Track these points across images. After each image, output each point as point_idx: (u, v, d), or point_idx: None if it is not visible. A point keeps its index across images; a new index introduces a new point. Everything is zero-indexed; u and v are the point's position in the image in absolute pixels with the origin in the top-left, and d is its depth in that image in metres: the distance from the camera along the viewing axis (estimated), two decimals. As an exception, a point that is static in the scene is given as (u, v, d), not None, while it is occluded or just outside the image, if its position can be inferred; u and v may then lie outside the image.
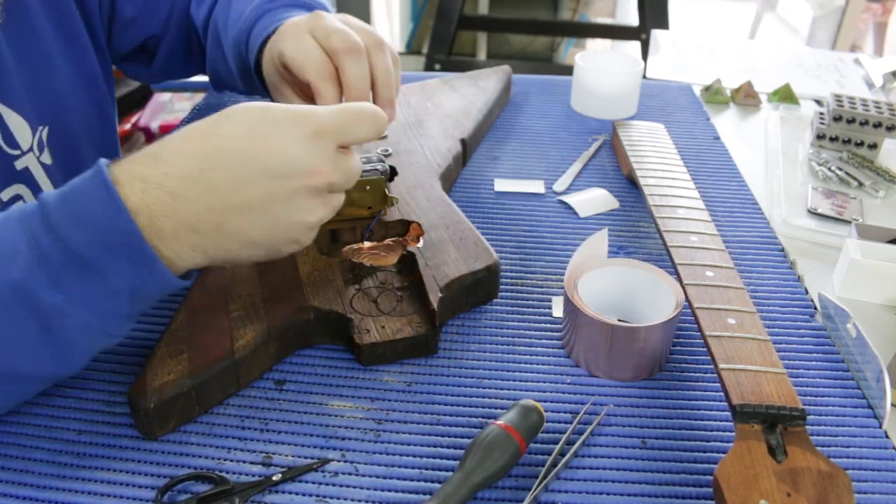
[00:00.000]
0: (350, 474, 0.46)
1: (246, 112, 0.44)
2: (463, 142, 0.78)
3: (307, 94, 0.59)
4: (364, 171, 0.62)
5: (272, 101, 0.62)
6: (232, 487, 0.44)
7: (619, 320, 0.54)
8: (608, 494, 0.45)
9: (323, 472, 0.46)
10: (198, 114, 0.90)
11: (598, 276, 0.57)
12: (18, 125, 0.60)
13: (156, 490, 0.44)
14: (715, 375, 0.50)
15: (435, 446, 0.48)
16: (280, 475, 0.45)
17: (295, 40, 0.57)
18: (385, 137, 0.76)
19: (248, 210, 0.43)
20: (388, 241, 0.62)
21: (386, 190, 0.62)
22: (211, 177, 0.42)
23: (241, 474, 0.46)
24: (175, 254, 0.42)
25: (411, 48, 3.03)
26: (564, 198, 0.74)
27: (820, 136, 0.87)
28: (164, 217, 0.41)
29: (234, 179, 0.42)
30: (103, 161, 0.42)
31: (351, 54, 0.56)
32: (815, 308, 0.61)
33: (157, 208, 0.41)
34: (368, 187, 0.61)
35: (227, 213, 0.43)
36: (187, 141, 0.43)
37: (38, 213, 0.41)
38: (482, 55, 2.83)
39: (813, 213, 0.74)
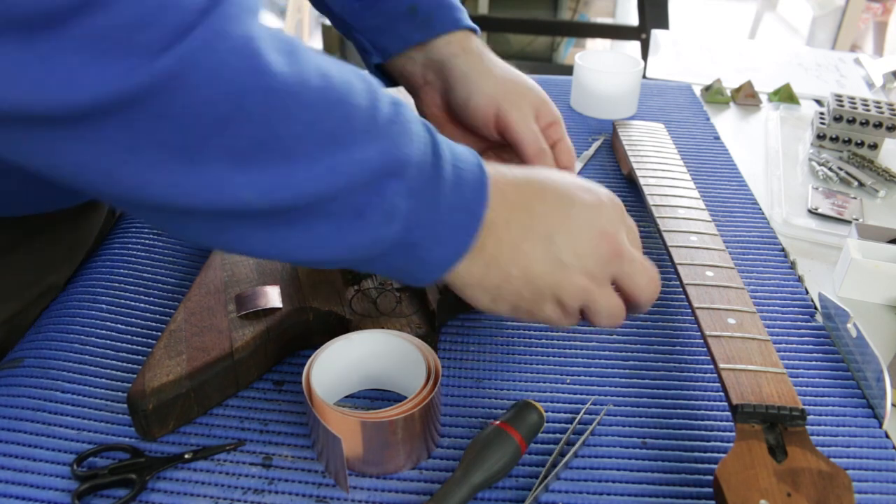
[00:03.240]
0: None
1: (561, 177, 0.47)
2: (463, 142, 0.78)
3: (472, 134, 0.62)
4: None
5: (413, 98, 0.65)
6: (145, 461, 0.45)
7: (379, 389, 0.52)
8: (608, 494, 0.45)
9: (323, 472, 0.46)
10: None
11: (339, 349, 0.50)
12: None
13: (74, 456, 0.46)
14: (715, 375, 0.50)
15: (435, 446, 0.48)
16: (191, 454, 0.46)
17: (521, 114, 0.59)
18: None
19: (542, 239, 0.43)
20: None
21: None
22: (534, 202, 0.44)
23: (240, 475, 0.46)
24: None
25: (411, 48, 3.03)
26: (564, 198, 0.74)
27: (820, 136, 0.87)
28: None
29: (547, 209, 0.44)
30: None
31: (560, 146, 0.61)
32: (815, 308, 0.61)
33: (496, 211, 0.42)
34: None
35: (522, 229, 0.43)
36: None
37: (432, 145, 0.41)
38: (482, 55, 2.83)
39: (813, 213, 0.74)
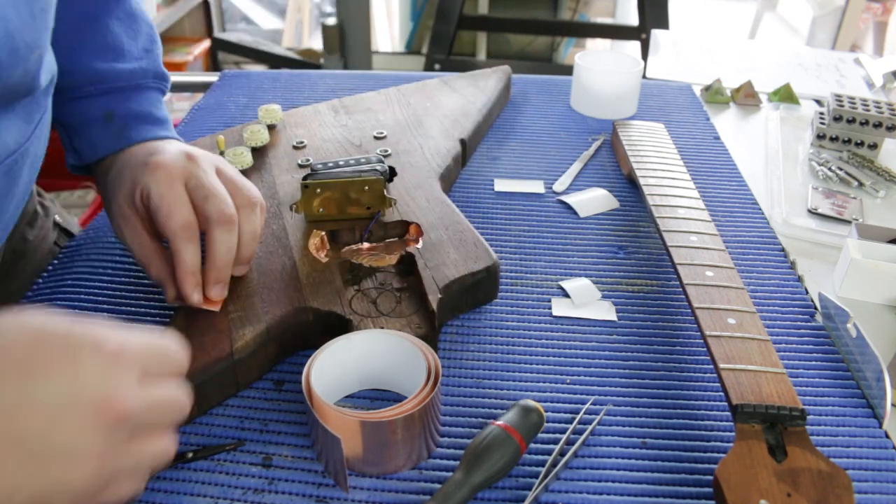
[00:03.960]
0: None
1: (28, 323, 0.34)
2: (462, 142, 0.78)
3: (156, 235, 0.55)
4: (363, 171, 0.63)
5: (113, 221, 0.56)
6: None
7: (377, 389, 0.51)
8: (608, 494, 0.45)
9: (323, 472, 0.46)
10: (197, 113, 0.90)
11: (339, 349, 0.49)
12: None
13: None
14: (715, 375, 0.50)
15: (435, 446, 0.48)
16: (192, 453, 0.46)
17: (168, 187, 0.52)
18: (384, 137, 0.76)
19: (14, 443, 0.32)
20: (387, 241, 0.62)
21: (384, 190, 0.62)
22: None
23: (240, 475, 0.46)
24: None
25: (411, 48, 3.04)
26: (564, 198, 0.74)
27: (820, 136, 0.87)
28: None
29: (8, 402, 0.32)
30: None
31: (222, 226, 0.52)
32: (815, 308, 0.61)
33: None
34: (367, 188, 0.61)
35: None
36: None
37: None
38: (482, 55, 2.83)
39: (813, 212, 0.74)
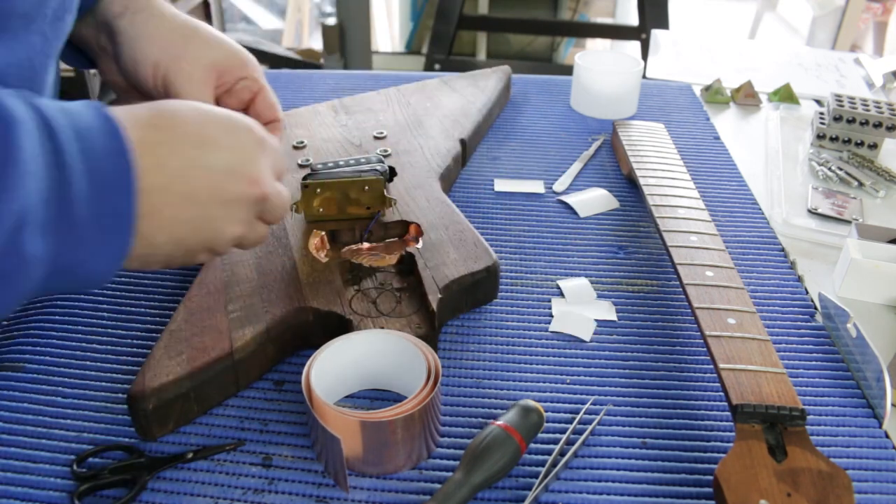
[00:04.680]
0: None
1: (198, 105, 0.43)
2: (462, 142, 0.78)
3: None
4: (362, 171, 0.63)
5: (110, 89, 0.57)
6: (145, 460, 0.45)
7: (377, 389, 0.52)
8: (608, 494, 0.45)
9: (323, 472, 0.46)
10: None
11: (339, 349, 0.49)
12: None
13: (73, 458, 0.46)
14: (715, 375, 0.50)
15: (435, 446, 0.48)
16: (192, 453, 0.46)
17: (187, 78, 0.53)
18: (384, 137, 0.76)
19: (189, 200, 0.40)
20: (387, 241, 0.62)
21: (384, 190, 0.62)
22: (163, 152, 0.39)
23: (240, 475, 0.46)
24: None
25: (411, 48, 3.04)
26: (564, 198, 0.74)
27: (820, 136, 0.87)
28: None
29: (184, 163, 0.40)
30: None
31: (259, 100, 0.56)
32: (815, 308, 0.61)
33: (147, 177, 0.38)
34: (367, 188, 0.61)
35: (167, 195, 0.39)
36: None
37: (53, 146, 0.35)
38: (482, 55, 2.83)
39: (813, 212, 0.74)
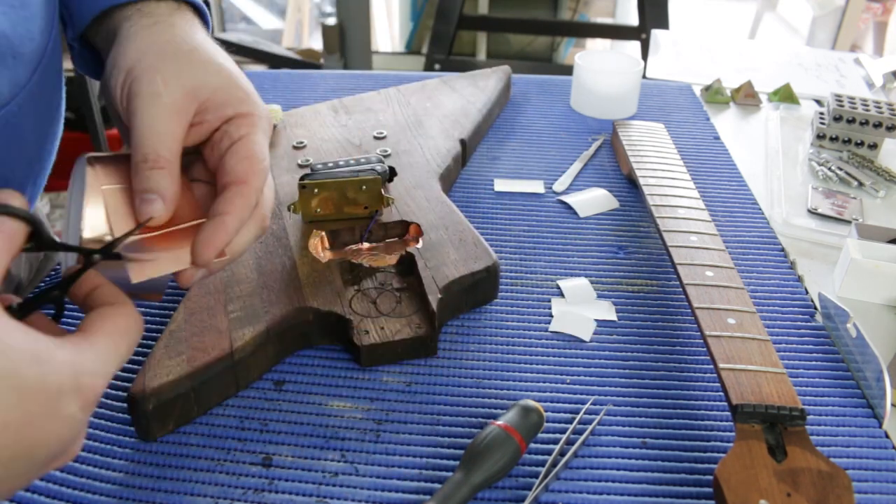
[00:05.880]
0: (350, 474, 0.46)
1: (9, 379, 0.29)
2: (462, 142, 0.78)
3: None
4: (361, 171, 0.63)
5: (115, 114, 0.44)
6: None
7: None
8: (608, 494, 0.45)
9: (323, 472, 0.46)
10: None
11: None
12: None
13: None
14: (715, 375, 0.50)
15: (435, 446, 0.48)
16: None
17: (149, 95, 0.40)
18: (384, 137, 0.76)
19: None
20: (387, 241, 0.62)
21: (382, 190, 0.62)
22: None
23: (240, 475, 0.46)
24: None
25: (411, 48, 3.04)
26: (564, 198, 0.74)
27: (820, 136, 0.87)
28: None
29: None
30: None
31: (237, 148, 0.41)
32: (815, 308, 0.61)
33: None
34: (364, 187, 0.61)
35: None
36: None
37: None
38: (482, 55, 2.83)
39: (813, 212, 0.74)
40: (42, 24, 0.44)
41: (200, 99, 0.41)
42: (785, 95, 1.00)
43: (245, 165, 0.41)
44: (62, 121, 0.51)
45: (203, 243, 0.39)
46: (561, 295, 0.61)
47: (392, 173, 0.66)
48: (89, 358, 0.32)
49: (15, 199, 0.34)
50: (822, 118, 0.88)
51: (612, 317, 0.59)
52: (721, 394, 0.51)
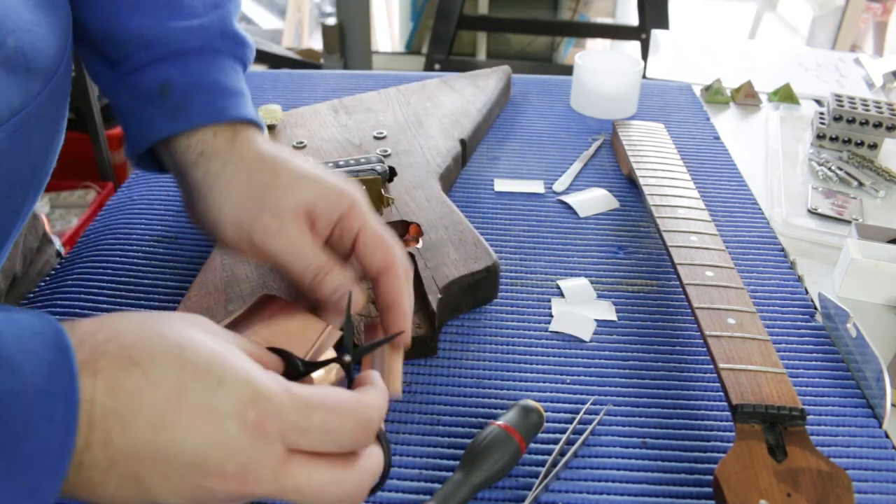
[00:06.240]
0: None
1: (180, 358, 0.31)
2: (462, 142, 0.78)
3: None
4: (360, 171, 0.63)
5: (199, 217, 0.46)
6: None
7: None
8: (608, 494, 0.45)
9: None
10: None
11: None
12: None
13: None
14: (715, 375, 0.50)
15: (435, 446, 0.48)
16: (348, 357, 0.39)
17: (273, 229, 0.43)
18: (384, 137, 0.76)
19: (133, 482, 0.31)
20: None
21: (382, 190, 0.62)
22: (111, 427, 0.30)
23: (240, 475, 0.46)
24: None
25: (411, 48, 3.04)
26: (564, 198, 0.74)
27: (820, 136, 0.87)
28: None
29: (135, 445, 0.30)
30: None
31: (362, 240, 0.45)
32: (815, 308, 0.61)
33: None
34: (364, 187, 0.61)
35: (109, 475, 0.31)
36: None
37: None
38: (482, 55, 2.84)
39: (813, 212, 0.74)
40: (57, 43, 0.45)
41: (310, 212, 0.44)
42: (785, 95, 1.00)
43: (380, 252, 0.44)
44: (65, 126, 0.52)
45: (398, 326, 0.44)
46: (561, 295, 0.61)
47: (392, 173, 0.66)
48: (283, 397, 0.32)
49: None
50: (822, 118, 0.88)
51: (612, 317, 0.59)
52: (721, 394, 0.51)
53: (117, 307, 0.59)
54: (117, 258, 0.64)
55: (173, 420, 0.30)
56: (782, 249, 0.68)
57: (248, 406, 0.31)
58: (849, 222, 0.72)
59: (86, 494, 0.31)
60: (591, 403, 0.51)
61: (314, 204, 0.44)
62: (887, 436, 0.49)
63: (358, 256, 0.45)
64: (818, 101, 1.01)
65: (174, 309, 0.58)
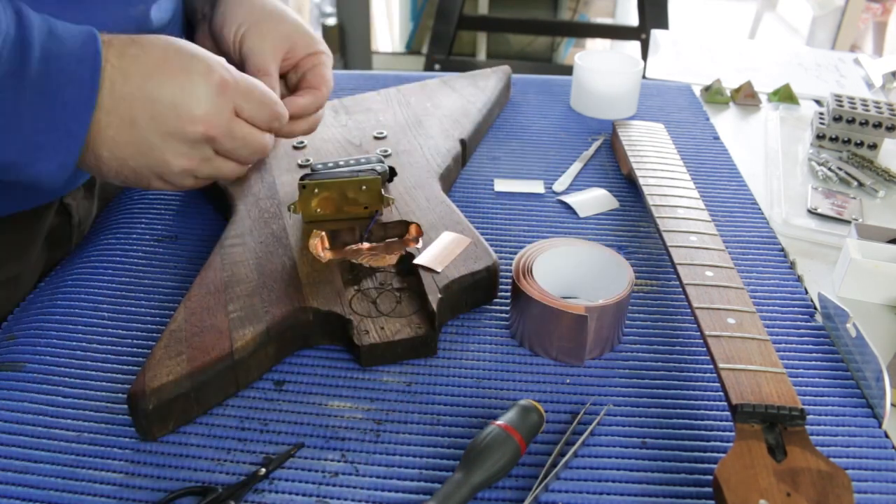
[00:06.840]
0: (350, 474, 0.46)
1: (169, 41, 0.47)
2: (462, 142, 0.78)
3: None
4: (361, 171, 0.63)
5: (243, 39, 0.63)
6: (220, 494, 0.44)
7: (568, 297, 0.55)
8: (608, 494, 0.45)
9: (323, 472, 0.46)
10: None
11: (551, 257, 0.58)
12: None
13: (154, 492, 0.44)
14: (715, 375, 0.50)
15: (435, 446, 0.48)
16: (263, 469, 0.45)
17: (258, 43, 0.60)
18: (384, 137, 0.76)
19: (128, 124, 0.45)
20: (387, 241, 0.62)
21: (382, 190, 0.62)
22: (116, 77, 0.45)
23: (240, 475, 0.46)
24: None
25: (411, 48, 3.04)
26: (564, 198, 0.74)
27: (820, 136, 0.87)
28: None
29: (131, 90, 0.45)
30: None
31: (312, 73, 0.61)
32: (815, 308, 0.61)
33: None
34: (364, 187, 0.61)
35: (111, 116, 0.45)
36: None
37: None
38: (482, 55, 2.84)
39: (813, 213, 0.74)
40: (173, 8, 0.64)
41: (290, 42, 0.61)
42: (785, 95, 1.00)
43: (319, 80, 0.61)
44: None
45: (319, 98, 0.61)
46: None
47: (392, 173, 0.66)
48: (238, 74, 0.49)
49: None
50: (821, 118, 0.88)
51: (612, 317, 0.59)
52: (721, 394, 0.51)
53: (117, 307, 0.59)
54: (117, 258, 0.64)
55: (159, 73, 0.46)
56: (782, 249, 0.68)
57: (214, 72, 0.47)
58: (848, 222, 0.72)
59: (92, 146, 0.45)
60: (591, 403, 0.51)
61: (295, 37, 0.61)
62: (887, 436, 0.49)
63: (303, 80, 0.61)
64: (818, 102, 1.01)
65: (174, 309, 0.58)
